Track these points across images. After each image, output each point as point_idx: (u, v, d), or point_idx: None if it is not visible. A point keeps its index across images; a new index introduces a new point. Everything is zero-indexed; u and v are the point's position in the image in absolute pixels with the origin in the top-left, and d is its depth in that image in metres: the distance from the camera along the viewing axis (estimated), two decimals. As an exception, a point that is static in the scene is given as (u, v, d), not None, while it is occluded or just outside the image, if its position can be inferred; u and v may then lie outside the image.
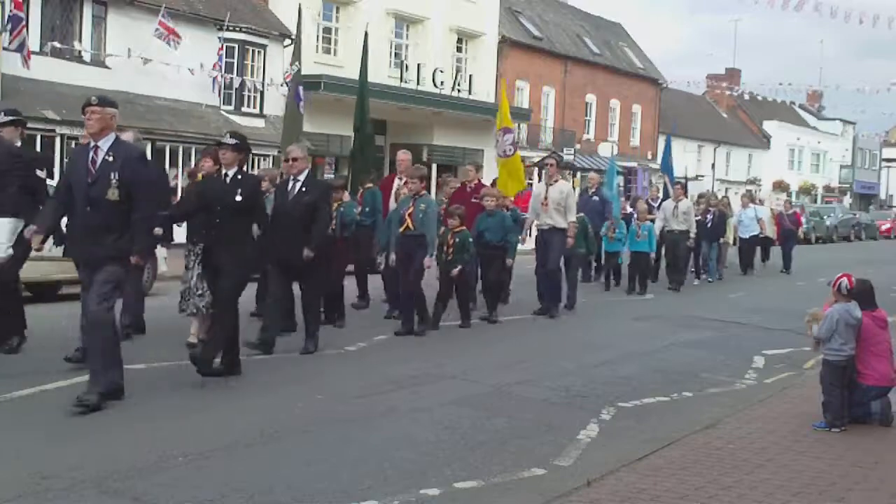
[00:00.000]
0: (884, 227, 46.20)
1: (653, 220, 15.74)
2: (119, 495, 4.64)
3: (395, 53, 30.22)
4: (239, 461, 5.30)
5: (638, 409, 7.07)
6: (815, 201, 56.15)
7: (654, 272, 16.25)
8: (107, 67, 21.30)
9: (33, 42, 19.49)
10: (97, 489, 4.70)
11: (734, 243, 19.94)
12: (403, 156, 11.86)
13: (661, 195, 18.11)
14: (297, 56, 13.60)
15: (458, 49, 32.92)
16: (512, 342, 10.04)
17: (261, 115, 25.00)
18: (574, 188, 16.51)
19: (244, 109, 24.59)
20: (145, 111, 21.62)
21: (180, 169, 21.20)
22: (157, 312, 9.41)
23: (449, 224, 10.37)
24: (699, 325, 11.84)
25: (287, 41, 25.35)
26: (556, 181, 11.94)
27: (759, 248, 20.61)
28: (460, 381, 7.73)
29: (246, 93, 24.65)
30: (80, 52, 20.93)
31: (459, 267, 10.30)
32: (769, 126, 58.64)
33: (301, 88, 13.05)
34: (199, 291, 8.17)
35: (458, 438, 5.98)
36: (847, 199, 63.04)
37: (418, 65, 29.78)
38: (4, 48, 18.29)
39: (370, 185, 11.58)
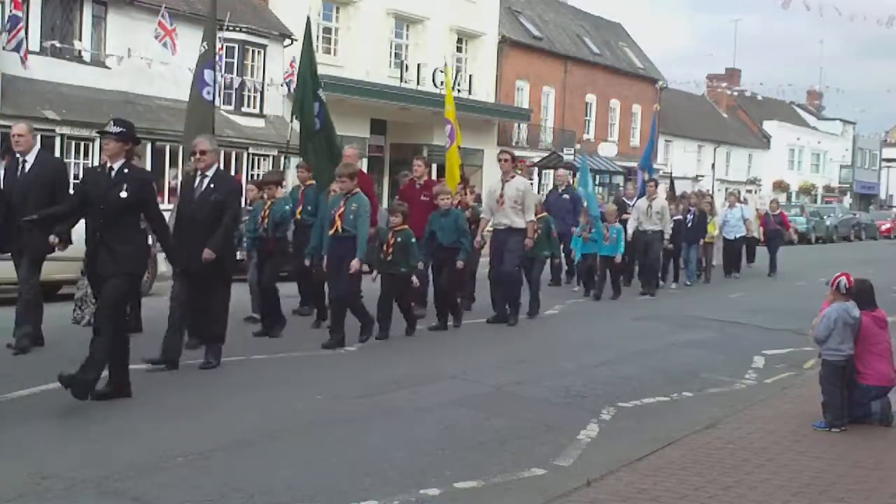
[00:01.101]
0: (884, 227, 46.22)
1: (624, 221, 14.72)
2: (119, 495, 4.64)
3: (395, 53, 30.24)
4: (239, 461, 5.30)
5: (638, 409, 7.06)
6: (815, 201, 56.15)
7: (629, 275, 15.56)
8: (106, 67, 21.32)
9: (33, 42, 19.50)
10: (97, 489, 4.70)
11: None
12: (350, 151, 10.64)
13: (636, 194, 16.60)
14: (210, 35, 10.77)
15: (458, 49, 32.93)
16: (512, 342, 10.04)
17: (261, 115, 25.03)
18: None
19: (244, 109, 24.63)
20: (145, 111, 21.62)
21: (180, 169, 21.18)
22: (156, 313, 9.38)
23: (391, 222, 9.64)
24: (699, 325, 11.83)
25: (287, 41, 25.38)
26: (511, 177, 10.94)
27: (744, 250, 19.85)
28: (460, 381, 7.73)
29: (246, 93, 24.68)
30: (79, 51, 20.95)
31: (416, 281, 9.70)
32: (769, 126, 58.65)
33: (207, 72, 10.28)
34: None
35: (458, 438, 5.97)
36: (847, 199, 63.03)
37: (418, 65, 29.80)
38: (4, 48, 18.29)
39: (312, 182, 10.66)
